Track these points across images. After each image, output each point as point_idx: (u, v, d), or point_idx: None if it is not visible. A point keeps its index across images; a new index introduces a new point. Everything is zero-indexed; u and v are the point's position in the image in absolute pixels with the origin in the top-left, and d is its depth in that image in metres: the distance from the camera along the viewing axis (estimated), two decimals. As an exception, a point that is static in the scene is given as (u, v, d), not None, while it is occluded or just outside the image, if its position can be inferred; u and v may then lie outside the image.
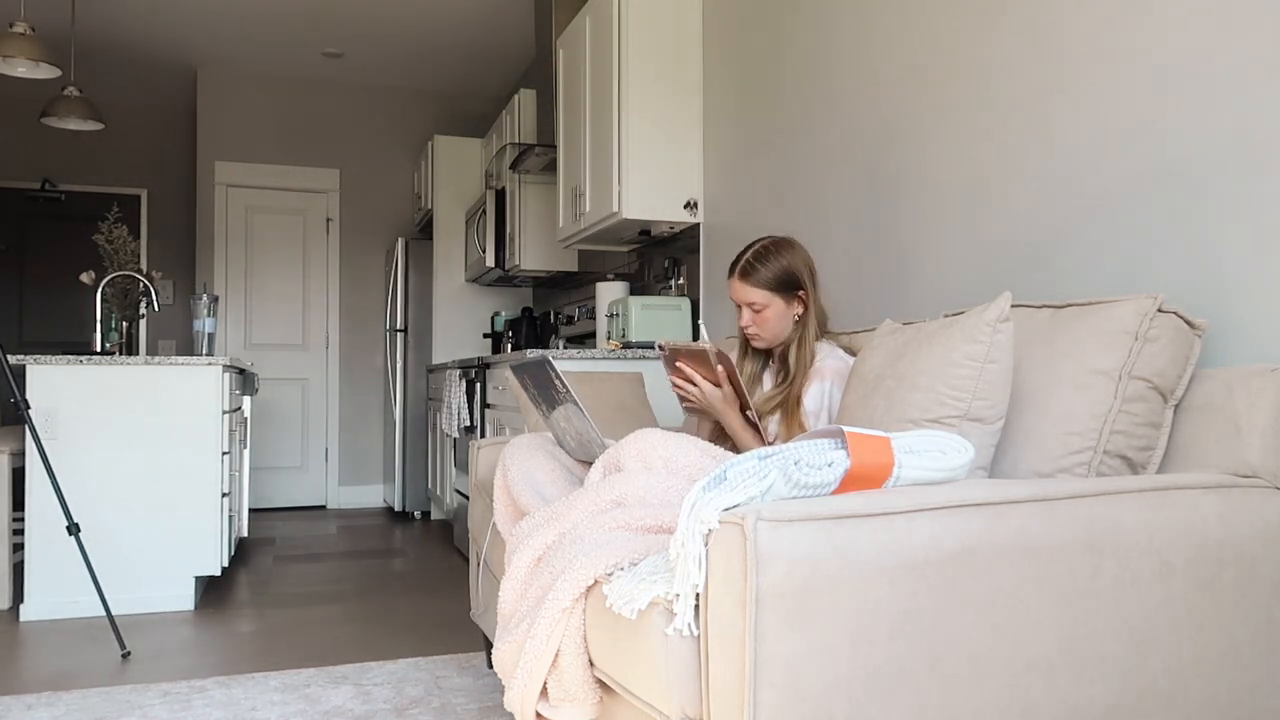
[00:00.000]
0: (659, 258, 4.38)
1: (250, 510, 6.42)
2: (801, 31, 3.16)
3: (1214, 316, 1.73)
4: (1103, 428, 1.58)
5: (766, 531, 1.12)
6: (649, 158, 3.81)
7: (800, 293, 2.25)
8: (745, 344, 2.40)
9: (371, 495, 6.74)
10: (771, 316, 2.26)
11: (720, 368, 2.17)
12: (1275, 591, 1.41)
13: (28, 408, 3.24)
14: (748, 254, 2.28)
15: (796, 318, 2.27)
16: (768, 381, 2.36)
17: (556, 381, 2.13)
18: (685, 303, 3.92)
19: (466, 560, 4.53)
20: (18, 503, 3.75)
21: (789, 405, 2.20)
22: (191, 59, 6.25)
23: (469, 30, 5.79)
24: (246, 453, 4.79)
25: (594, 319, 4.68)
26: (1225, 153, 1.73)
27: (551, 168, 4.90)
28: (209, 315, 4.12)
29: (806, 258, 2.28)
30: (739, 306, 2.30)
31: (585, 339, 5.14)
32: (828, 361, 2.21)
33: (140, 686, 2.65)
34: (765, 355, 2.39)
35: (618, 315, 3.98)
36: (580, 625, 1.48)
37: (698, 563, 1.18)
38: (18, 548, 3.84)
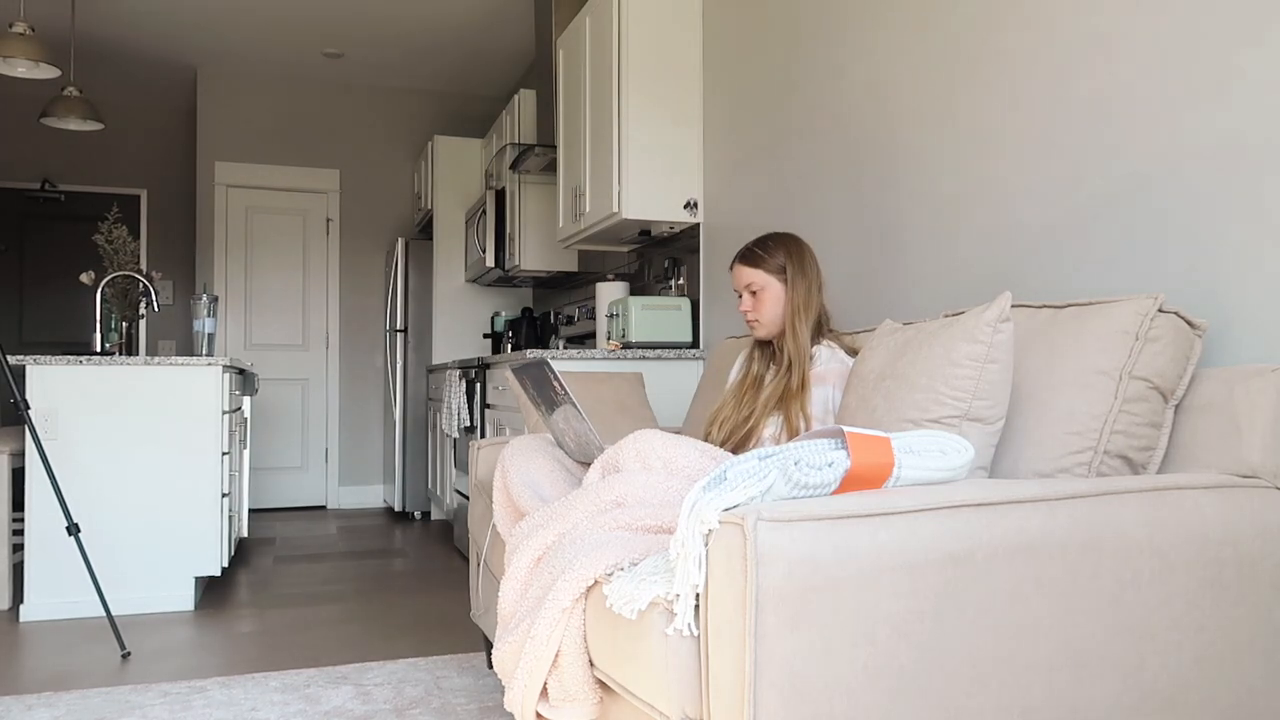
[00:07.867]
0: (659, 258, 4.38)
1: (250, 510, 6.42)
2: (802, 31, 3.16)
3: (1214, 316, 1.73)
4: (1103, 428, 1.57)
5: (767, 531, 1.12)
6: (649, 158, 3.81)
7: (798, 278, 2.26)
8: (752, 346, 2.40)
9: (371, 495, 6.74)
10: (768, 300, 2.27)
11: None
12: (1275, 591, 1.41)
13: (28, 408, 3.24)
14: (752, 241, 2.33)
15: (793, 303, 2.26)
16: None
17: (555, 383, 2.13)
18: (685, 303, 3.92)
19: (466, 560, 4.53)
20: (18, 503, 3.75)
21: (786, 398, 2.18)
22: (191, 59, 6.25)
23: (469, 30, 5.79)
24: (246, 453, 4.79)
25: (594, 319, 4.68)
26: (1225, 153, 1.73)
27: (551, 168, 4.90)
28: (209, 315, 4.12)
29: (811, 253, 2.31)
30: (739, 294, 2.33)
31: (585, 339, 5.14)
32: (830, 365, 2.20)
33: (140, 687, 2.65)
34: (770, 357, 2.37)
35: (618, 315, 3.98)
36: (580, 625, 1.48)
37: (698, 563, 1.18)
38: (18, 548, 3.84)
